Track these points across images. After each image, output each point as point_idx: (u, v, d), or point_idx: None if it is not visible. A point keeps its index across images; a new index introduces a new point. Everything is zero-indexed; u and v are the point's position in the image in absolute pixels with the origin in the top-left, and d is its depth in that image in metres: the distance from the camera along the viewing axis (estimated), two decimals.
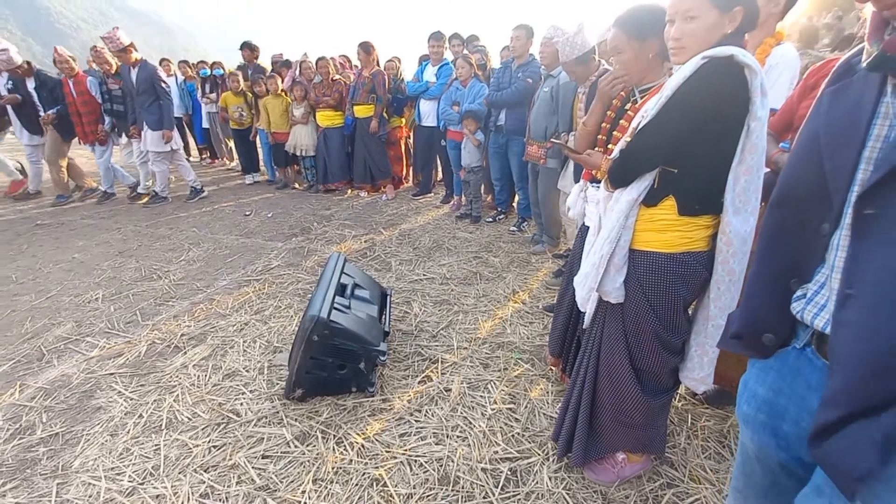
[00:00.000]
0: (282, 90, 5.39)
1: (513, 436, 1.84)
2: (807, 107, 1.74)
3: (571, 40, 2.32)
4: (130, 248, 3.81)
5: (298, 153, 5.41)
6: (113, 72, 4.70)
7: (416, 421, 1.91)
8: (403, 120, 5.39)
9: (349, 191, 5.49)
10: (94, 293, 3.01)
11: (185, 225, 4.39)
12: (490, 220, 4.46)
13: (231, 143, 6.79)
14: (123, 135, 4.96)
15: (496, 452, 1.75)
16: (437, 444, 1.80)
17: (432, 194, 5.43)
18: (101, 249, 3.77)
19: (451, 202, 4.94)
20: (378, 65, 4.89)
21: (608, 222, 1.36)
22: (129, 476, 1.64)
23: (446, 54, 4.83)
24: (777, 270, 0.80)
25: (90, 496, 1.58)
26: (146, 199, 5.14)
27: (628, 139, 1.29)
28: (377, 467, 1.68)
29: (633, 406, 1.46)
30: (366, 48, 4.77)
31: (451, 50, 4.82)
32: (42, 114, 4.78)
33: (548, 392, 2.08)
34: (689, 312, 1.46)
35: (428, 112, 4.80)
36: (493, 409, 1.97)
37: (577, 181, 2.91)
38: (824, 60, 1.72)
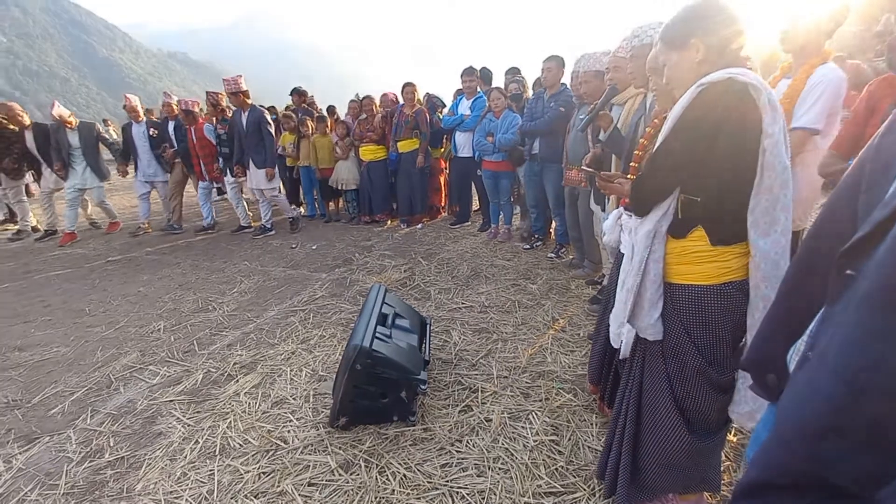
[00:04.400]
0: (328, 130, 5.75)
1: (556, 469, 1.79)
2: (875, 124, 1.67)
3: (598, 57, 2.66)
4: (189, 281, 4.09)
5: (340, 187, 5.70)
6: (222, 118, 5.29)
7: (457, 451, 1.91)
8: (442, 150, 5.58)
9: (389, 222, 5.66)
10: (156, 324, 3.24)
11: (237, 258, 4.67)
12: (527, 247, 4.47)
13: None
14: (228, 173, 5.49)
15: (539, 486, 1.71)
16: (478, 475, 1.78)
17: (469, 223, 5.51)
18: (163, 283, 4.06)
19: (489, 230, 4.99)
20: (420, 103, 5.16)
21: (634, 254, 1.35)
22: (186, 500, 1.73)
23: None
24: (791, 308, 0.74)
25: None
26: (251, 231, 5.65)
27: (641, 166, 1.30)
28: (419, 498, 1.69)
29: (679, 449, 1.38)
30: (410, 88, 5.05)
31: (465, 84, 4.96)
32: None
33: (592, 424, 2.03)
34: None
35: (464, 143, 4.95)
36: (535, 441, 1.94)
37: (597, 203, 2.90)
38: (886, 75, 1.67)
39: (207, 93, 5.48)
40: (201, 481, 1.82)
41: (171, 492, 1.77)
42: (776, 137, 1.11)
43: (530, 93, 4.87)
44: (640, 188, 1.30)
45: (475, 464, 1.83)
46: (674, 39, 1.25)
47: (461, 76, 4.97)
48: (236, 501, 1.71)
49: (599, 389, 2.03)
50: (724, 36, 1.20)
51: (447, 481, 1.76)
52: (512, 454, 1.88)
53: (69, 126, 5.36)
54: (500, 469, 1.81)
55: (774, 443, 0.59)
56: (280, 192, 5.75)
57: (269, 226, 5.60)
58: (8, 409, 2.37)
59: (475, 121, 4.75)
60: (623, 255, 1.50)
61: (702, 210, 1.24)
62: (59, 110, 5.40)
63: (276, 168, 5.35)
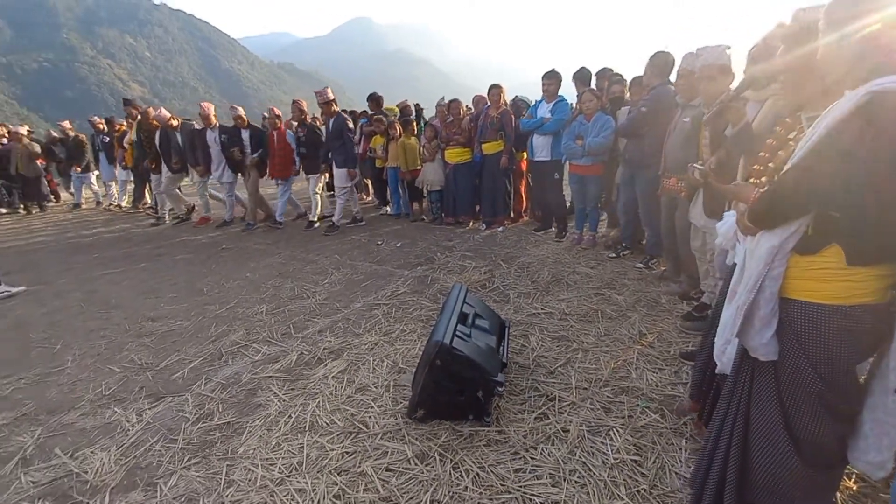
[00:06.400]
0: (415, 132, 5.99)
1: (638, 491, 1.69)
2: None
3: (720, 50, 2.48)
4: (287, 270, 4.47)
5: (425, 188, 5.89)
6: (302, 122, 5.85)
7: (531, 458, 1.88)
8: (525, 154, 5.52)
9: (471, 223, 5.73)
10: (259, 307, 3.59)
11: (329, 252, 5.02)
12: (613, 255, 4.26)
13: (368, 181, 7.66)
14: (301, 172, 6.10)
15: None
16: (553, 485, 1.74)
17: (553, 229, 5.38)
18: (266, 271, 4.50)
19: (573, 236, 4.82)
20: (506, 105, 5.16)
21: (749, 268, 1.23)
22: (279, 468, 1.90)
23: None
24: None
25: (249, 480, 1.86)
26: (322, 226, 6.11)
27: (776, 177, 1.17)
28: (491, 499, 1.69)
29: (788, 476, 1.24)
30: (496, 90, 5.08)
31: (545, 88, 4.83)
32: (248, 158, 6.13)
33: (681, 449, 1.88)
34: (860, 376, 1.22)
35: (542, 146, 4.83)
36: (615, 459, 1.85)
37: (709, 215, 2.65)
38: None
39: (293, 101, 6.01)
40: (292, 453, 1.99)
41: (266, 459, 1.96)
42: None
43: (627, 95, 4.64)
44: (771, 204, 1.17)
45: (550, 473, 1.79)
46: (837, 17, 1.06)
47: (542, 79, 4.87)
48: (322, 475, 1.84)
49: (699, 406, 1.88)
50: None
51: (520, 486, 1.74)
52: (590, 469, 1.81)
53: (174, 128, 6.22)
54: (576, 482, 1.75)
55: None
56: (353, 192, 6.15)
57: (357, 219, 6.01)
58: (141, 370, 2.77)
59: (556, 124, 4.63)
60: (735, 265, 1.37)
61: (840, 227, 1.10)
62: (163, 114, 6.30)
63: (357, 168, 5.82)
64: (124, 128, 7.80)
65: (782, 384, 1.25)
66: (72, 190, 9.23)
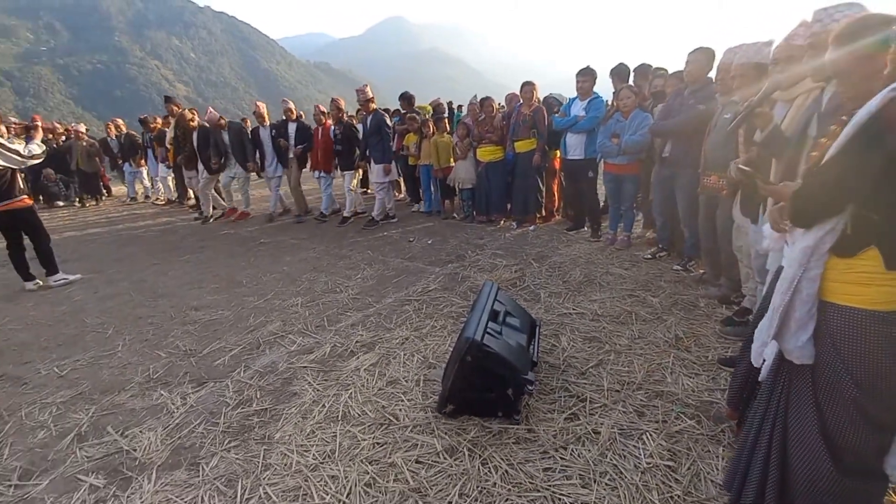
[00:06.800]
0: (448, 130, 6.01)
1: (672, 497, 1.66)
2: None
3: (758, 47, 2.42)
4: (321, 264, 4.59)
5: (457, 186, 5.90)
6: (340, 120, 6.01)
7: (561, 458, 1.87)
8: (558, 152, 5.45)
9: (502, 221, 5.70)
10: (295, 300, 3.70)
11: (362, 247, 5.11)
12: (649, 256, 4.15)
13: (400, 179, 7.73)
14: (338, 168, 6.31)
15: None
16: (583, 486, 1.73)
17: (585, 229, 5.29)
18: (302, 265, 4.63)
19: (607, 236, 4.73)
20: (538, 102, 5.10)
21: (786, 270, 1.20)
22: (314, 455, 1.96)
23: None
24: None
25: (285, 465, 1.93)
26: (358, 221, 6.27)
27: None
28: (520, 496, 1.69)
29: (826, 485, 1.20)
30: (529, 88, 5.03)
31: (579, 85, 4.71)
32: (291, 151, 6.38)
33: (718, 457, 1.83)
34: None
35: (576, 145, 4.74)
36: (648, 463, 1.81)
37: (745, 214, 2.55)
38: None
39: (332, 99, 6.15)
40: (326, 441, 2.05)
41: (301, 445, 2.03)
42: None
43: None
44: (802, 201, 1.16)
45: (580, 474, 1.78)
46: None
47: (576, 76, 4.77)
48: (354, 464, 1.89)
49: (738, 414, 1.83)
50: None
51: (549, 485, 1.73)
52: (621, 472, 1.78)
53: (223, 127, 6.43)
54: (606, 485, 1.73)
55: None
56: (390, 188, 6.24)
57: (389, 215, 6.11)
58: (186, 356, 2.92)
59: (591, 122, 4.53)
60: (783, 267, 1.33)
61: (879, 229, 1.07)
62: (213, 114, 6.55)
63: (393, 164, 5.91)
64: (160, 126, 8.17)
65: (819, 389, 1.22)
66: (125, 184, 9.78)
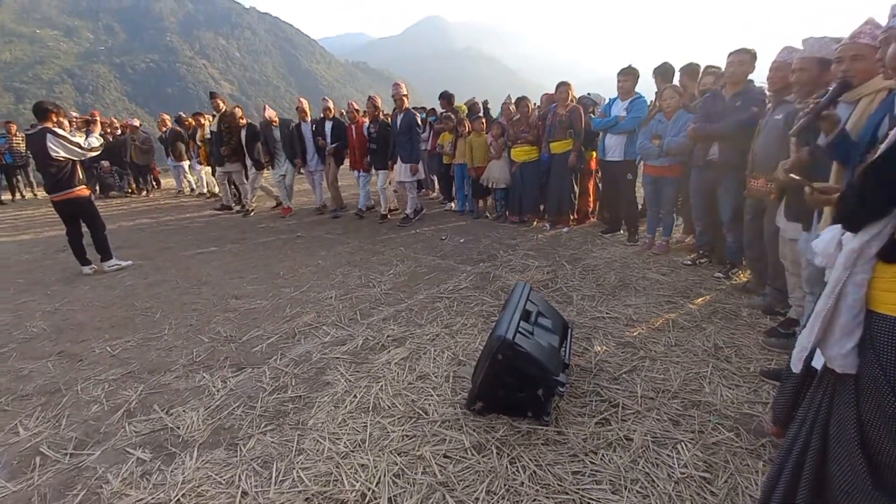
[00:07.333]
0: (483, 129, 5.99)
1: None
2: None
3: (825, 42, 2.33)
4: (355, 259, 4.69)
5: (490, 185, 5.88)
6: (375, 118, 6.09)
7: (591, 462, 1.84)
8: (595, 154, 5.34)
9: (535, 222, 5.65)
10: (329, 292, 3.80)
11: (395, 244, 5.18)
12: (689, 262, 4.02)
13: (434, 176, 7.79)
14: (372, 167, 6.38)
15: None
16: (613, 492, 1.70)
17: (621, 232, 5.17)
18: (336, 259, 4.74)
19: (643, 241, 4.61)
20: (574, 102, 5.01)
21: (831, 274, 1.15)
22: (345, 443, 2.01)
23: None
24: None
25: (318, 451, 1.99)
26: (393, 218, 6.36)
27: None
28: (548, 497, 1.68)
29: (864, 501, 1.15)
30: (564, 88, 4.96)
31: (620, 85, 4.62)
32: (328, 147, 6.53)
33: (757, 471, 1.76)
34: None
35: (614, 146, 4.64)
36: (682, 474, 1.76)
37: (790, 219, 2.43)
38: None
39: (369, 97, 6.25)
40: (357, 430, 2.10)
41: (333, 433, 2.09)
42: None
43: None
44: (849, 202, 1.11)
45: (610, 480, 1.75)
46: None
47: (617, 76, 4.66)
48: (383, 454, 1.93)
49: (784, 432, 1.75)
50: None
51: (578, 489, 1.71)
52: (653, 480, 1.74)
53: (275, 124, 6.61)
54: (638, 492, 1.69)
55: None
56: (418, 188, 6.35)
57: (411, 215, 6.14)
58: (227, 342, 3.05)
59: (632, 122, 4.42)
60: None
61: None
62: (269, 112, 6.72)
63: (420, 164, 5.93)
64: (194, 124, 8.49)
65: (862, 402, 1.16)
66: (172, 177, 10.29)
